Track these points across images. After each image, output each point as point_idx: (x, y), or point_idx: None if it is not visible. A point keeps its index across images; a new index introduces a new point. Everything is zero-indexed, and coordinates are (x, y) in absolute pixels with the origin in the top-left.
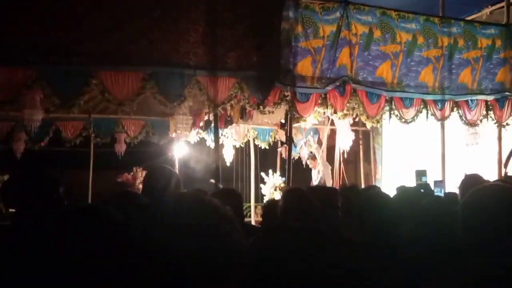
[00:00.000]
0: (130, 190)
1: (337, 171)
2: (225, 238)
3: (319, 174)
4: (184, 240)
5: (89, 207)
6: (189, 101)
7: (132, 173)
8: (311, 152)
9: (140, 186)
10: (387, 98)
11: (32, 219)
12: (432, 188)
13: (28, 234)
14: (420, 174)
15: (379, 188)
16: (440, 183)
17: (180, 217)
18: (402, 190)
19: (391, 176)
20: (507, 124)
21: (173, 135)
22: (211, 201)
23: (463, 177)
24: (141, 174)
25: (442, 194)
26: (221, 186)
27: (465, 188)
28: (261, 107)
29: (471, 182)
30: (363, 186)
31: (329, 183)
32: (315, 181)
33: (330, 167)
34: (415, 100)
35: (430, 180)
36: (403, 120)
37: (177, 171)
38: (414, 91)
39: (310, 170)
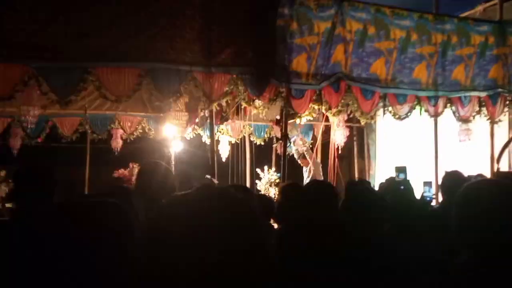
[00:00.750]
0: (119, 186)
1: (332, 167)
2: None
3: (310, 172)
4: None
5: (98, 202)
6: (185, 97)
7: (128, 168)
8: (304, 149)
9: None
10: (381, 94)
11: (30, 215)
12: (422, 188)
13: (27, 229)
14: (399, 170)
15: (368, 183)
16: (428, 184)
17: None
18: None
19: (385, 172)
20: (500, 121)
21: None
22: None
23: (443, 174)
24: (137, 170)
25: (430, 194)
26: (216, 181)
27: (445, 185)
28: (256, 103)
29: (452, 179)
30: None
31: None
32: (306, 179)
33: (320, 165)
34: (408, 96)
35: (417, 176)
36: (397, 116)
37: (172, 167)
38: (408, 88)
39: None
